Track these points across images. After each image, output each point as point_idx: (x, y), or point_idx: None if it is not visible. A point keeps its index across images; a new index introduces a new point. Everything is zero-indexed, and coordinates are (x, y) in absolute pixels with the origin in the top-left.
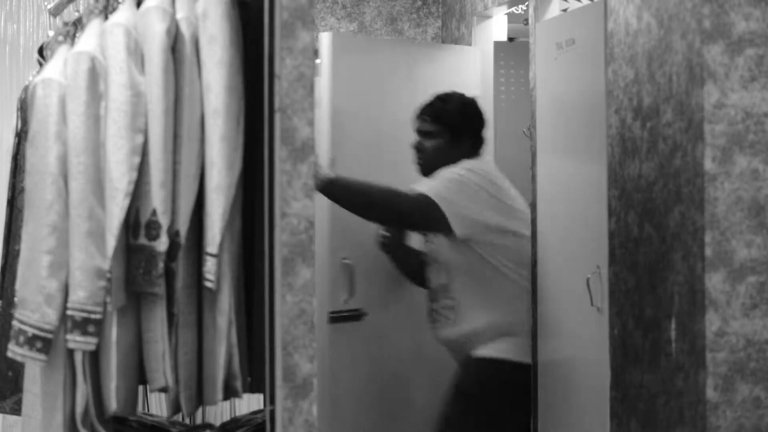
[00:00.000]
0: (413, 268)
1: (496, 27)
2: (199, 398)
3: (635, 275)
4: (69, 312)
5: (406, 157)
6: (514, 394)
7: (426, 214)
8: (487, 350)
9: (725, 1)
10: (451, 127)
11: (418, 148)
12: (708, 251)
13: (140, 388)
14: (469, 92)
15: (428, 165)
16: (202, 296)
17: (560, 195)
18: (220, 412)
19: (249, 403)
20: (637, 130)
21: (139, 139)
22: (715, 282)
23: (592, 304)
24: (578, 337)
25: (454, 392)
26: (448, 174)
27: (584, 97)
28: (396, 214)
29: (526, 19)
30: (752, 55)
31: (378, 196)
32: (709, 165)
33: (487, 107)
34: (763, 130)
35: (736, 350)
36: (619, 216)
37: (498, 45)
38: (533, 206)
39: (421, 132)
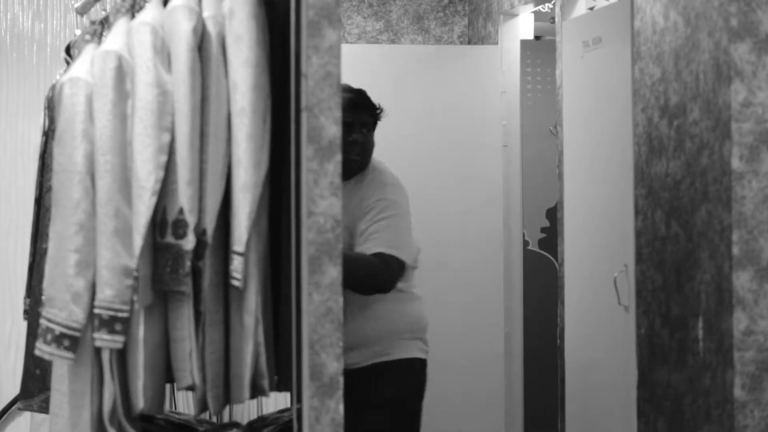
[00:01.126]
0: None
1: (523, 25)
2: (227, 397)
3: (662, 274)
4: (96, 310)
5: (430, 161)
6: None
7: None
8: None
9: None
10: (376, 118)
11: (358, 142)
12: (735, 250)
13: (167, 386)
14: (495, 91)
15: (363, 161)
16: (229, 295)
17: (587, 193)
18: (247, 410)
19: (276, 401)
20: (664, 129)
21: (166, 137)
22: (742, 281)
23: (619, 302)
24: (605, 336)
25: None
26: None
27: (611, 96)
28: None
29: (553, 18)
30: None
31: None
32: (736, 163)
33: (513, 105)
34: None
35: (763, 349)
36: (645, 214)
37: (524, 43)
38: (560, 204)
39: (360, 125)
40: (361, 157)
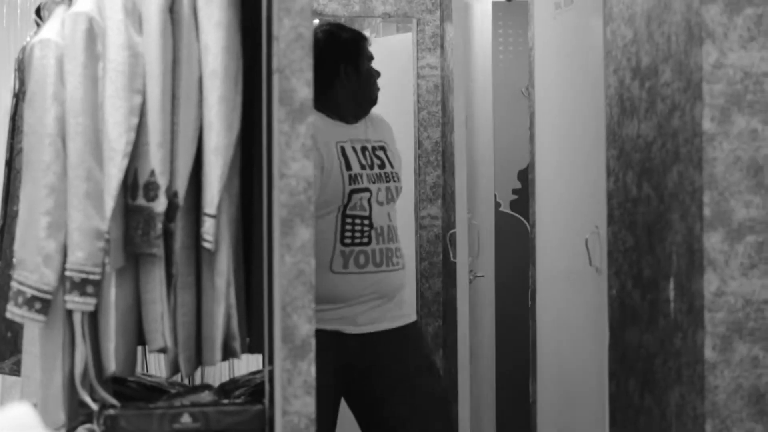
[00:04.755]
0: None
1: None
2: (198, 359)
3: (634, 235)
4: (68, 273)
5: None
6: None
7: None
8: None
9: None
10: None
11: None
12: (706, 211)
13: (139, 348)
14: None
15: None
16: (200, 257)
17: (558, 154)
18: (218, 372)
19: (248, 363)
20: (636, 90)
21: (137, 99)
22: (713, 242)
23: (590, 264)
24: (576, 297)
25: (428, 364)
26: None
27: (582, 57)
28: None
29: None
30: (751, 14)
31: None
32: (707, 125)
33: (485, 67)
34: (762, 90)
35: (734, 310)
36: (617, 176)
37: (496, 5)
38: (532, 166)
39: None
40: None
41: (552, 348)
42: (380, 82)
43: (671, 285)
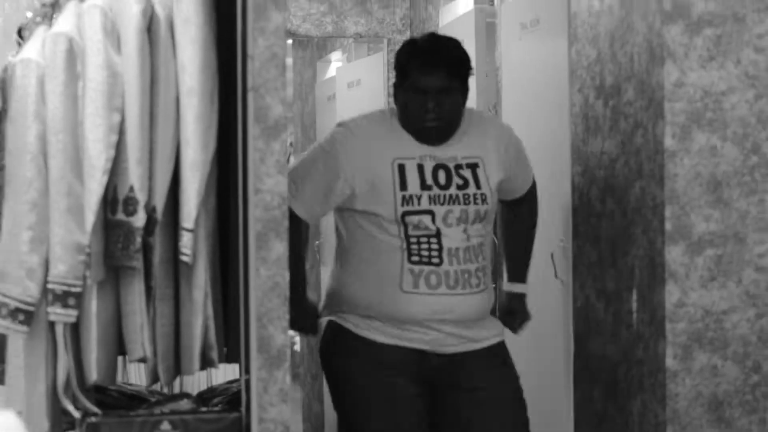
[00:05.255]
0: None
1: (463, 7)
2: (177, 368)
3: (597, 249)
4: (50, 285)
5: None
6: None
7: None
8: None
9: None
10: (466, 79)
11: (437, 108)
12: (668, 225)
13: (120, 358)
14: None
15: (448, 128)
16: (178, 270)
17: None
18: (197, 381)
19: (225, 372)
20: (600, 109)
21: (116, 118)
22: (674, 255)
23: (556, 276)
24: (542, 309)
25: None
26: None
27: (548, 76)
28: None
29: (492, 0)
30: (710, 35)
31: None
32: (669, 142)
33: None
34: (721, 108)
35: (694, 320)
36: (582, 191)
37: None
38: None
39: (438, 89)
40: (443, 125)
41: (519, 358)
42: (353, 101)
43: (634, 297)
